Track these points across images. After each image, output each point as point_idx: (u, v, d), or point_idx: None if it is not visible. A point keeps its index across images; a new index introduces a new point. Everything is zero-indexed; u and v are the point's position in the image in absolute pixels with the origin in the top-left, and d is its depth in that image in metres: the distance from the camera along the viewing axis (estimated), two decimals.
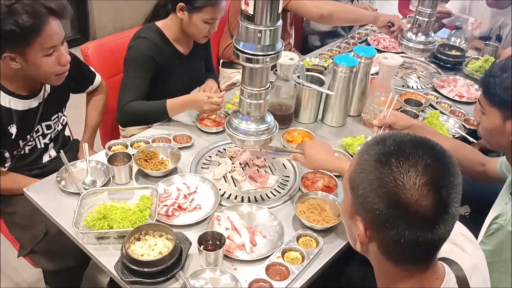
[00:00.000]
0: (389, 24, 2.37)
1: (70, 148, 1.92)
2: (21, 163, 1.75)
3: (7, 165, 1.72)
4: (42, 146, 1.77)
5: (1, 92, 1.59)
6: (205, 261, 1.27)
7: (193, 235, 1.33)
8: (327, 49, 2.60)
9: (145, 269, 1.20)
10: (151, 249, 1.27)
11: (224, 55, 2.65)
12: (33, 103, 1.67)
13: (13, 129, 1.63)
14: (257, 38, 1.28)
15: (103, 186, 1.53)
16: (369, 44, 2.67)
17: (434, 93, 2.23)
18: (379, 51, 2.62)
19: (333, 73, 1.84)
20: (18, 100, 1.62)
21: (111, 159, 1.55)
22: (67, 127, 1.95)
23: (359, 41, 2.73)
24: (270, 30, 1.28)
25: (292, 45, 3.09)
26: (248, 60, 1.32)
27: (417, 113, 1.95)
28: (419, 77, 2.39)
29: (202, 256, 1.26)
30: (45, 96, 1.69)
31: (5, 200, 1.74)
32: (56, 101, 1.78)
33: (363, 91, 1.97)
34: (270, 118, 1.51)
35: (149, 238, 1.30)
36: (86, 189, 1.48)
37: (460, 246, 1.02)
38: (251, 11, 1.26)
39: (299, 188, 1.57)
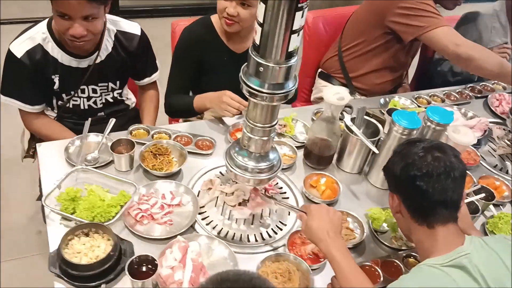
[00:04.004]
0: None
1: (124, 116, 1.98)
2: (67, 115, 1.86)
3: (53, 114, 1.84)
4: (86, 107, 1.84)
5: (53, 42, 1.66)
6: (131, 285, 1.20)
7: (146, 250, 1.26)
8: (444, 92, 2.26)
9: (70, 270, 1.18)
10: (91, 249, 1.24)
11: (324, 66, 2.46)
12: (83, 63, 1.73)
13: (56, 79, 1.71)
14: (260, 73, 1.12)
15: (102, 166, 1.53)
16: (487, 103, 2.23)
17: None
18: (494, 114, 2.18)
19: (389, 128, 1.56)
20: (65, 55, 1.69)
21: (116, 145, 1.54)
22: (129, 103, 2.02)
23: (479, 94, 2.30)
24: (280, 67, 1.11)
25: (410, 80, 2.72)
26: (250, 94, 1.17)
27: (479, 206, 1.56)
28: None
29: (130, 280, 1.19)
30: (97, 60, 1.74)
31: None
32: (110, 70, 1.81)
33: None
34: (273, 155, 1.34)
35: (97, 237, 1.27)
36: (86, 165, 1.50)
37: None
38: (257, 41, 1.10)
39: (286, 244, 1.39)
